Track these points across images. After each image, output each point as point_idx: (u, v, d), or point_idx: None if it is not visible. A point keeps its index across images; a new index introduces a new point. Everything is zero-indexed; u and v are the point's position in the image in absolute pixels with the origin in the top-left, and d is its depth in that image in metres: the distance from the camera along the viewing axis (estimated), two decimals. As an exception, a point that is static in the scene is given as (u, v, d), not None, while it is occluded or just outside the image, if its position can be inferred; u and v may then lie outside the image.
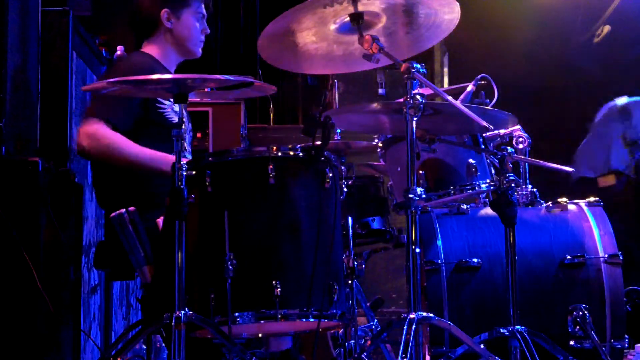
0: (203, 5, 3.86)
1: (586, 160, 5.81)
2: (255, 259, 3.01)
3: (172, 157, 3.02)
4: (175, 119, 3.54)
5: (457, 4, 3.29)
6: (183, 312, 2.86)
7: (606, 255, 3.50)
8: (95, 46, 4.58)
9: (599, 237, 3.54)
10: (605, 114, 5.93)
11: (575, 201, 3.70)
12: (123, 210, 3.33)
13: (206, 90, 3.18)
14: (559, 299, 3.46)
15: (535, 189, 3.72)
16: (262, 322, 2.99)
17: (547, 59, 7.43)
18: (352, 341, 3.56)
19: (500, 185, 3.21)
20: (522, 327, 3.12)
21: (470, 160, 3.61)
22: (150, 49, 3.78)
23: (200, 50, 3.84)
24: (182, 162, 2.94)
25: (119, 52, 5.22)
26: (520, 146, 3.75)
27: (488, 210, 3.43)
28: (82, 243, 4.17)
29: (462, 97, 3.82)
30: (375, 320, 4.39)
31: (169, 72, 3.74)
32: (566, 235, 3.55)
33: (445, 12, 3.32)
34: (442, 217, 3.61)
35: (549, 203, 3.67)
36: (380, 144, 3.88)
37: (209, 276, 3.01)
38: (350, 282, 3.55)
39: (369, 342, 3.78)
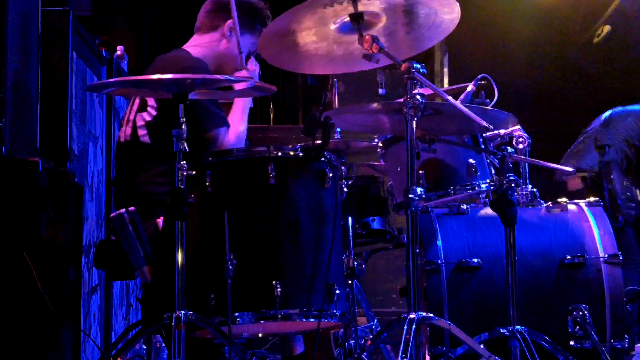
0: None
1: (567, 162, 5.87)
2: (255, 259, 3.01)
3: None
4: None
5: (457, 4, 3.29)
6: (183, 312, 2.86)
7: (606, 255, 3.50)
8: (95, 46, 4.58)
9: (599, 237, 3.54)
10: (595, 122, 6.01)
11: (575, 201, 3.70)
12: (123, 210, 3.33)
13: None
14: (559, 299, 3.45)
15: (535, 189, 3.72)
16: (262, 322, 2.99)
17: (547, 59, 7.43)
18: (352, 341, 3.56)
19: (500, 185, 3.21)
20: (522, 327, 3.12)
21: (470, 160, 3.61)
22: (194, 49, 3.76)
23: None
24: (182, 162, 2.94)
25: (119, 52, 5.23)
26: (520, 146, 3.75)
27: (488, 210, 3.43)
28: (82, 243, 4.17)
29: (462, 97, 3.81)
30: (375, 320, 4.39)
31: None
32: (566, 235, 3.55)
33: (445, 12, 3.32)
34: (442, 217, 3.61)
35: (549, 203, 3.67)
36: (380, 144, 3.88)
37: (209, 276, 3.02)
38: (350, 282, 3.55)
39: (369, 342, 3.78)
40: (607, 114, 5.89)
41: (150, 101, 3.58)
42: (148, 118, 3.56)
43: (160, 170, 3.52)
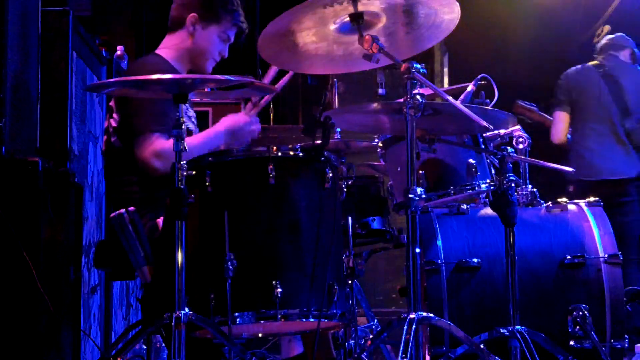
0: (234, 32, 3.85)
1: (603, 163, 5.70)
2: (255, 259, 3.01)
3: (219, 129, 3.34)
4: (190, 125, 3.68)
5: (457, 4, 3.29)
6: (183, 312, 2.86)
7: (606, 255, 3.51)
8: (95, 46, 4.58)
9: (599, 237, 3.54)
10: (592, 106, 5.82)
11: (575, 201, 3.70)
12: (123, 210, 3.33)
13: (206, 90, 3.17)
14: (559, 299, 3.46)
15: (535, 189, 3.72)
16: (262, 322, 2.99)
17: (547, 59, 7.43)
18: (352, 341, 3.56)
19: (500, 185, 3.21)
20: (522, 327, 3.12)
21: (470, 160, 3.61)
22: (165, 51, 3.78)
23: (210, 69, 3.83)
24: (182, 162, 2.94)
25: (119, 52, 5.23)
26: (520, 146, 3.75)
27: (488, 210, 3.43)
28: (82, 243, 4.17)
29: (462, 97, 3.82)
30: (375, 320, 4.39)
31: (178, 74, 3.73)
32: (566, 235, 3.55)
33: (445, 12, 3.31)
34: (442, 217, 3.61)
35: (549, 203, 3.68)
36: (380, 144, 3.88)
37: (208, 276, 3.01)
38: (350, 282, 3.55)
39: (369, 342, 3.78)
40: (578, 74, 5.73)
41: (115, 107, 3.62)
42: (114, 124, 3.61)
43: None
